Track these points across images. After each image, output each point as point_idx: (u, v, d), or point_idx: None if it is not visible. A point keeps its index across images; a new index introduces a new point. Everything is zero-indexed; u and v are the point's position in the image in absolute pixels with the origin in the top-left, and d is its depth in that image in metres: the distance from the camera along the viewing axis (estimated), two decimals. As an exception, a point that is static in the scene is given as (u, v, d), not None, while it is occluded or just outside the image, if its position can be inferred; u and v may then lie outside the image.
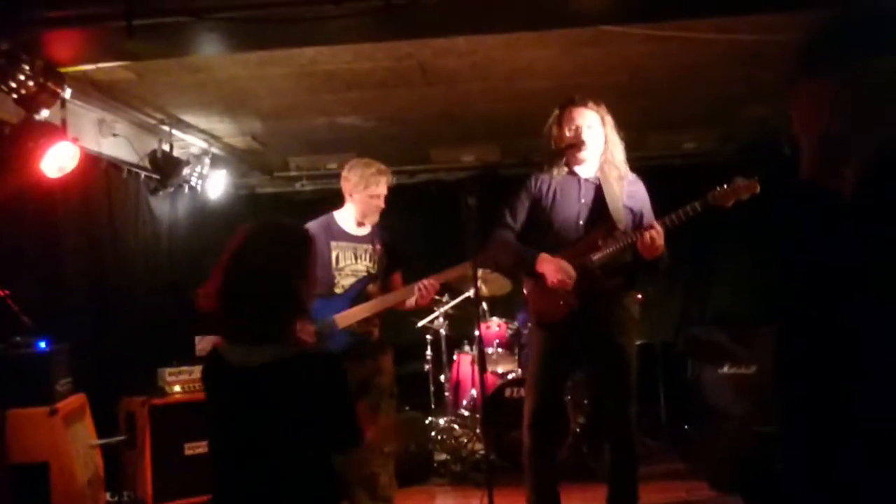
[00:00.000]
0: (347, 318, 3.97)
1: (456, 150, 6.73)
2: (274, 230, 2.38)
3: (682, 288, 7.01)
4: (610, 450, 3.81)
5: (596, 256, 3.58)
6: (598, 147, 3.68)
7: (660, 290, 6.27)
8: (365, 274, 4.09)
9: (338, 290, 4.05)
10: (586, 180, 3.74)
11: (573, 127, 3.66)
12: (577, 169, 3.74)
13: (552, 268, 3.55)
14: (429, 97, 5.13)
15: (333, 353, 2.36)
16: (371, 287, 4.07)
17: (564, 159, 3.72)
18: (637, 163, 6.78)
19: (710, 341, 6.29)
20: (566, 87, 4.98)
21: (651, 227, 3.46)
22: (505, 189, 6.21)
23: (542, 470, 3.87)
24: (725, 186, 3.52)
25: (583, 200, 3.71)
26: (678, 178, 6.82)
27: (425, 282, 3.97)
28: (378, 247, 4.14)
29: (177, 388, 5.05)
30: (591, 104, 3.68)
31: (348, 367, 3.88)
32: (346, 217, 4.19)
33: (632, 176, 3.81)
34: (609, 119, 3.71)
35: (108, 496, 4.34)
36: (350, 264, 4.11)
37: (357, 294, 4.02)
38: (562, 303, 3.60)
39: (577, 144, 3.63)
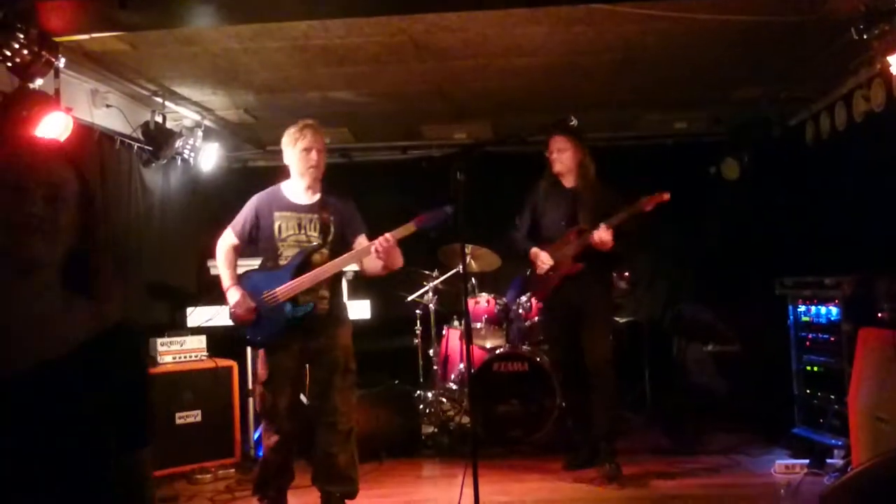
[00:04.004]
0: (291, 289, 3.88)
1: (448, 128, 6.74)
2: None
3: (670, 266, 7.07)
4: (589, 383, 4.80)
5: (570, 252, 4.78)
6: (570, 163, 4.87)
7: (647, 268, 6.34)
8: (308, 244, 3.97)
9: (282, 262, 3.95)
10: (568, 189, 4.91)
11: (550, 150, 4.91)
12: (562, 180, 4.93)
13: (536, 258, 4.90)
14: (421, 73, 5.14)
15: None
16: (316, 257, 3.94)
17: (553, 172, 4.92)
18: (629, 142, 6.91)
19: (695, 319, 6.39)
20: (558, 65, 5.03)
21: (599, 229, 4.61)
22: (494, 166, 6.29)
23: (578, 409, 5.03)
24: (654, 194, 4.61)
25: (564, 205, 4.89)
26: (670, 158, 6.92)
27: (380, 239, 3.81)
28: (327, 215, 4.01)
29: (168, 359, 5.12)
30: (563, 132, 4.82)
31: (295, 339, 3.92)
32: (292, 187, 4.09)
33: (605, 189, 4.88)
34: (581, 144, 4.89)
35: (99, 463, 4.39)
36: (293, 234, 3.98)
37: (299, 264, 3.90)
38: (548, 283, 4.88)
39: (552, 163, 4.91)
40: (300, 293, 3.89)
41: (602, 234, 4.59)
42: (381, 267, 3.95)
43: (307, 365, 4.07)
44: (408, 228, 3.85)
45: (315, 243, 3.97)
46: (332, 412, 3.99)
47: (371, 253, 3.86)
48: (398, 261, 3.94)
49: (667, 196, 4.59)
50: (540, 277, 4.91)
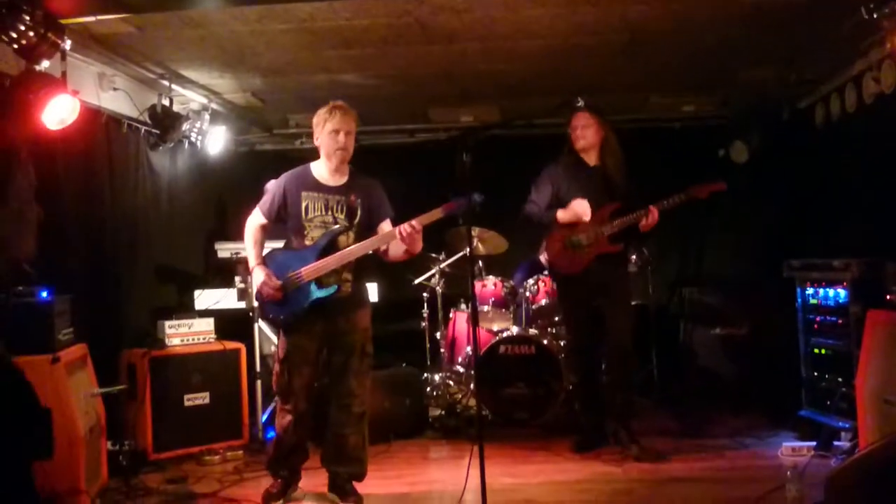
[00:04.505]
0: (316, 270, 3.90)
1: (455, 111, 6.72)
2: None
3: (678, 250, 7.06)
4: (609, 366, 4.92)
5: (607, 231, 4.73)
6: (593, 140, 4.83)
7: (655, 252, 6.32)
8: (335, 226, 3.98)
9: (307, 242, 3.96)
10: (592, 167, 4.87)
11: (573, 126, 4.85)
12: (584, 157, 4.89)
13: (571, 214, 4.78)
14: (428, 55, 5.12)
15: None
16: (342, 239, 3.96)
17: (575, 150, 4.88)
18: (637, 125, 6.87)
19: (703, 302, 6.38)
20: (565, 47, 5.00)
21: (650, 212, 4.62)
22: (502, 149, 6.24)
23: (588, 391, 5.01)
24: (710, 183, 4.73)
25: (591, 184, 4.80)
26: (678, 141, 6.89)
27: (405, 225, 3.84)
28: (354, 198, 4.01)
29: (176, 341, 5.14)
30: (587, 109, 4.84)
31: (317, 321, 3.95)
32: (321, 167, 4.09)
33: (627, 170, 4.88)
34: (605, 122, 4.86)
35: (109, 444, 4.43)
36: (320, 215, 3.99)
37: (325, 246, 3.92)
38: (578, 262, 4.78)
39: (576, 139, 4.86)
40: (324, 275, 3.92)
41: (655, 217, 4.64)
42: (403, 252, 3.97)
43: (327, 347, 4.09)
44: (435, 214, 3.86)
45: (341, 226, 3.99)
46: (347, 394, 4.03)
47: (395, 238, 3.87)
48: (419, 246, 3.95)
49: (724, 186, 4.74)
50: (568, 256, 4.81)
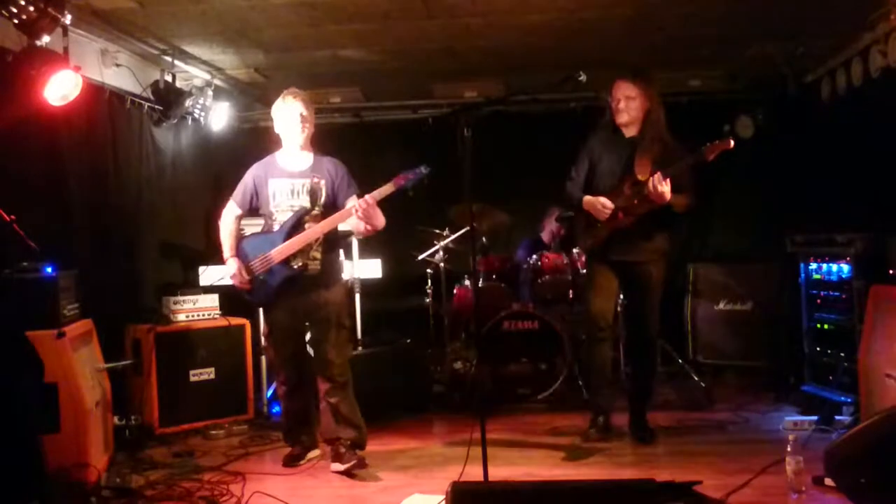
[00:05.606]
0: (283, 251, 4.08)
1: (459, 86, 6.69)
2: None
3: (682, 225, 7.03)
4: (631, 352, 4.85)
5: (623, 203, 4.36)
6: (637, 113, 4.42)
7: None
8: (299, 208, 4.14)
9: (275, 226, 4.15)
10: (628, 138, 4.48)
11: (615, 98, 4.45)
12: (623, 129, 4.49)
13: (592, 205, 4.42)
14: (431, 30, 5.09)
15: None
16: (308, 220, 4.13)
17: (614, 121, 4.50)
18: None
19: (707, 278, 6.38)
20: (569, 21, 4.96)
21: (652, 178, 4.19)
22: (506, 124, 6.20)
23: (598, 365, 4.66)
24: (716, 142, 4.21)
25: (621, 155, 4.45)
26: (684, 116, 6.82)
27: (359, 201, 4.01)
28: (317, 179, 4.18)
29: (181, 317, 5.17)
30: (632, 78, 4.44)
31: (289, 298, 4.08)
32: (285, 154, 4.28)
33: (672, 143, 4.44)
34: (651, 91, 4.44)
35: (115, 419, 4.48)
36: (286, 200, 4.17)
37: (291, 228, 4.09)
38: (596, 236, 4.49)
39: (617, 112, 4.45)
40: (292, 255, 4.10)
41: (657, 183, 4.15)
42: (362, 228, 4.16)
43: (306, 321, 4.28)
44: (386, 189, 4.04)
45: (304, 208, 4.15)
46: (328, 365, 4.18)
47: (352, 214, 4.04)
48: (379, 221, 4.14)
49: (731, 144, 4.18)
50: (587, 230, 4.54)
